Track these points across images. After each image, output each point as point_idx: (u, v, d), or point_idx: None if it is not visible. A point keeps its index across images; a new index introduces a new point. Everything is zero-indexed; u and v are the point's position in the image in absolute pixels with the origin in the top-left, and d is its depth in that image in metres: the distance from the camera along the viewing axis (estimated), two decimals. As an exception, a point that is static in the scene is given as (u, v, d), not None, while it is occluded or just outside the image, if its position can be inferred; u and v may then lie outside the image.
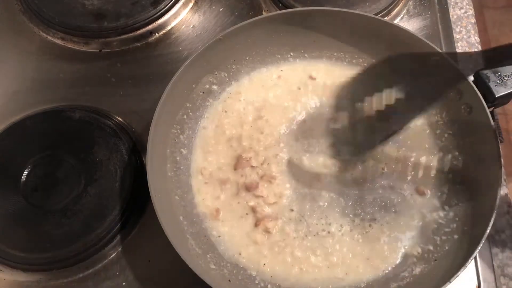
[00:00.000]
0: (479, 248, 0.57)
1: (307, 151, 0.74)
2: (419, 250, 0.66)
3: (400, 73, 0.75)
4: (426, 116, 0.74)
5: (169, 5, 0.87)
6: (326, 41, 0.77)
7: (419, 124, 0.74)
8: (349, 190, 0.71)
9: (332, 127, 0.75)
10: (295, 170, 0.73)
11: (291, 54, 0.80)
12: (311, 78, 0.79)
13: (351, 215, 0.69)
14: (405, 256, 0.66)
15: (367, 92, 0.76)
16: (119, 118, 0.80)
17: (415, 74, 0.74)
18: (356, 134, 0.75)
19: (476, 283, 0.66)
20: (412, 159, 0.72)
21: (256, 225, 0.69)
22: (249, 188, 0.71)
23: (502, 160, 0.63)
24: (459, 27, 0.86)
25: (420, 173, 0.71)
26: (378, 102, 0.76)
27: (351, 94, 0.77)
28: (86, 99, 0.82)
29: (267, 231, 0.68)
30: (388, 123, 0.75)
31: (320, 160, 0.73)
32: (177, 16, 0.89)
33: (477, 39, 0.86)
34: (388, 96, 0.76)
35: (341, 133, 0.75)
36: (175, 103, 0.72)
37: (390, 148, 0.73)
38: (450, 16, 0.86)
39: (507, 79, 0.65)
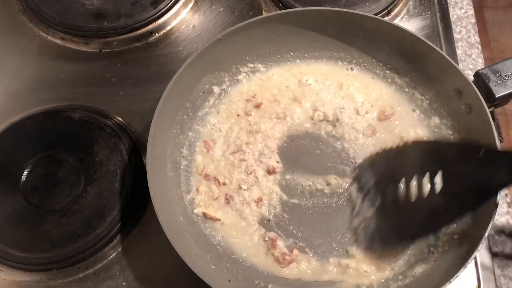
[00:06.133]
0: (479, 248, 0.57)
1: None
2: (420, 250, 0.66)
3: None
4: (426, 117, 0.74)
5: (169, 5, 0.87)
6: (326, 41, 0.77)
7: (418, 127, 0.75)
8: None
9: None
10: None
11: (291, 54, 0.80)
12: (312, 78, 0.79)
13: None
14: (406, 256, 0.66)
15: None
16: (119, 118, 0.80)
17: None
18: None
19: (476, 283, 0.66)
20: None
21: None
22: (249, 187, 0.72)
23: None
24: (459, 27, 0.86)
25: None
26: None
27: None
28: (86, 99, 0.82)
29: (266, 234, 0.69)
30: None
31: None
32: (177, 16, 0.89)
33: (477, 39, 0.86)
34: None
35: None
36: (175, 103, 0.72)
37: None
38: (450, 16, 0.86)
39: (507, 79, 0.65)
